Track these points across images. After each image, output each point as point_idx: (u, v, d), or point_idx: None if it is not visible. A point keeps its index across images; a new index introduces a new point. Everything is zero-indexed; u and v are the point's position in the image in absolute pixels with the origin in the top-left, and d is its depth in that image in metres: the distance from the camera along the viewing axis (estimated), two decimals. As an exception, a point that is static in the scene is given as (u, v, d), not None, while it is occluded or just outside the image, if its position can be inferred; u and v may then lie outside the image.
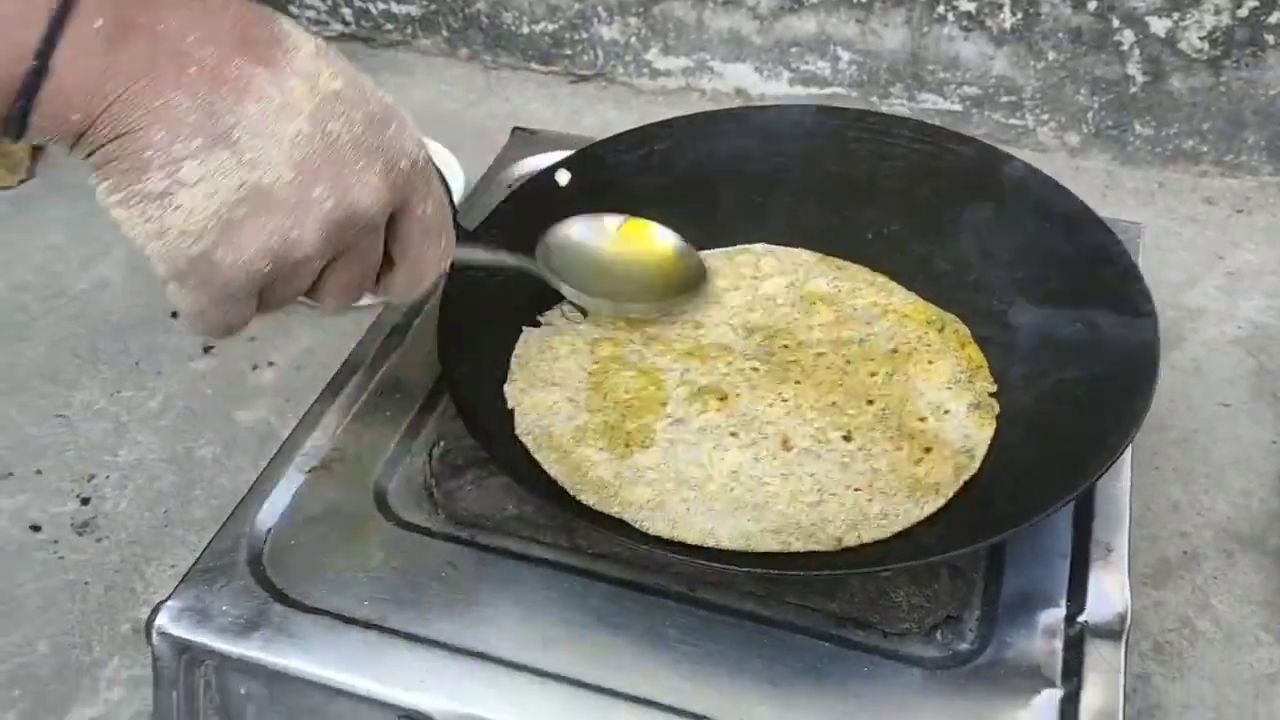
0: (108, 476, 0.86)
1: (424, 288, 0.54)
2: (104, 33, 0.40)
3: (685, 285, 0.71)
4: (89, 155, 0.42)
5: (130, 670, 0.74)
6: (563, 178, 0.74)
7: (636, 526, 0.59)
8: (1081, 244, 0.68)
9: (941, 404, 0.65)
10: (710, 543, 0.58)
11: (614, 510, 0.60)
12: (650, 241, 0.71)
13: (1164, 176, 1.07)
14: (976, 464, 0.62)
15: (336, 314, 0.50)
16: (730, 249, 0.76)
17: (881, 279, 0.73)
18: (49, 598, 0.78)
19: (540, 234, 0.67)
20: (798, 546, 0.58)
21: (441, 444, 0.64)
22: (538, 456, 0.62)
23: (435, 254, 0.52)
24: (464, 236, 0.68)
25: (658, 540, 0.58)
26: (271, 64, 0.43)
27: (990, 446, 0.63)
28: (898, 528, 0.59)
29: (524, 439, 0.63)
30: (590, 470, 0.62)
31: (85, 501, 0.84)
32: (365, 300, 0.53)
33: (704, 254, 0.74)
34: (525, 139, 0.89)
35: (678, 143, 0.76)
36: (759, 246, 0.76)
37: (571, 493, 0.60)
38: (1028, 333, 0.67)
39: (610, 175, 0.75)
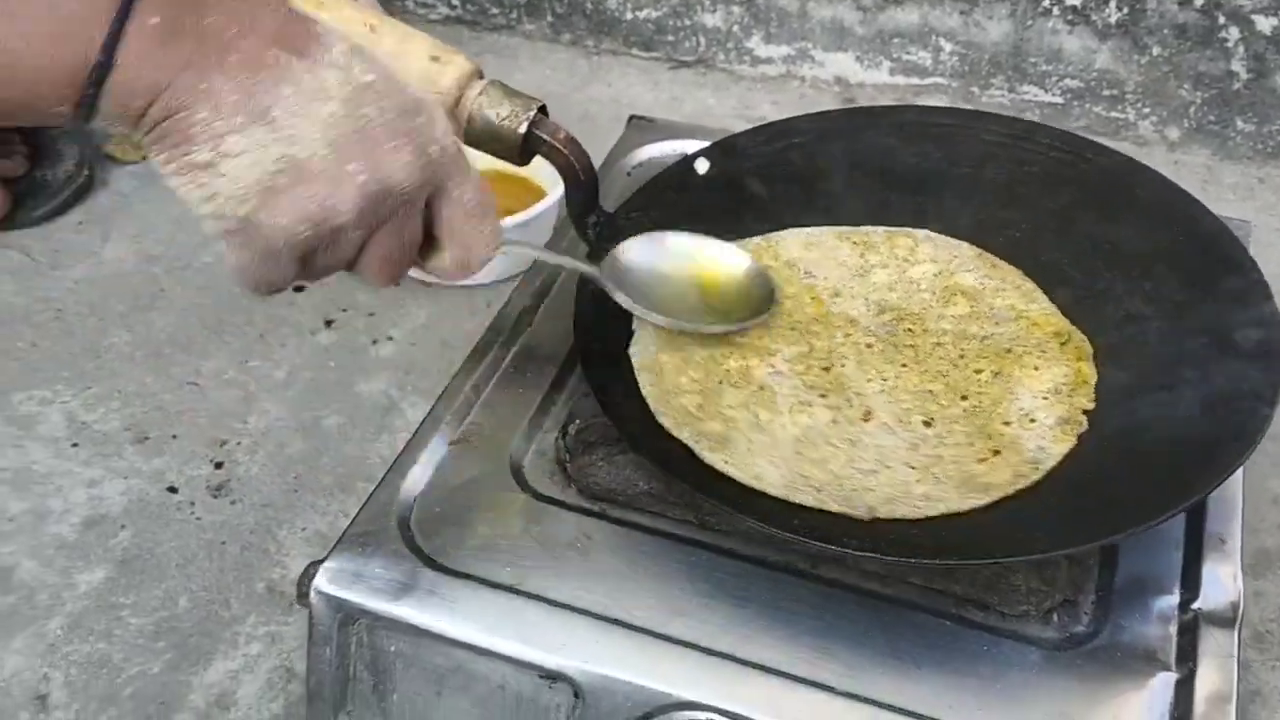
0: (239, 443, 0.90)
1: (472, 269, 0.57)
2: (159, 29, 0.45)
3: (751, 307, 0.71)
4: (147, 133, 0.47)
5: (267, 627, 0.78)
6: (701, 166, 0.77)
7: (697, 454, 0.63)
8: (1211, 257, 0.69)
9: (1031, 412, 0.66)
10: (756, 485, 0.61)
11: (684, 436, 0.63)
12: (718, 262, 0.71)
13: (1264, 172, 1.07)
14: (1039, 474, 0.63)
15: (382, 286, 0.55)
16: (892, 229, 0.77)
17: (1029, 285, 0.74)
18: (188, 556, 0.82)
19: (609, 248, 0.68)
20: (833, 507, 0.60)
21: (577, 422, 0.67)
22: (639, 377, 0.66)
23: (480, 238, 0.56)
24: (605, 217, 0.72)
25: (760, 516, 0.59)
26: (306, 55, 0.48)
27: (1085, 454, 0.64)
28: (932, 512, 0.61)
29: (633, 358, 0.67)
30: (678, 397, 0.65)
31: (219, 466, 0.88)
32: (420, 276, 0.55)
33: (865, 230, 0.77)
34: (642, 127, 0.91)
35: (820, 136, 0.79)
36: (921, 232, 0.77)
37: (654, 414, 0.64)
38: (1152, 343, 0.68)
39: (749, 165, 0.77)
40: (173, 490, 0.87)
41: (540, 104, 0.66)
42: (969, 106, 1.13)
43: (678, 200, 0.72)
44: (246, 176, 0.47)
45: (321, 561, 0.62)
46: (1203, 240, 0.71)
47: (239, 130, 0.46)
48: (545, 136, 0.66)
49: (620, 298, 0.66)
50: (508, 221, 0.95)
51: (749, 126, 0.81)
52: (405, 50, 0.64)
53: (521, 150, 0.66)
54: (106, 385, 0.95)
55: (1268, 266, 0.94)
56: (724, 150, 0.78)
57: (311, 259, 0.51)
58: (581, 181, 0.69)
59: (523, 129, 0.65)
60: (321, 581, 0.61)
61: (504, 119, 0.65)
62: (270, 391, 0.94)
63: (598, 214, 0.72)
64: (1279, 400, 0.60)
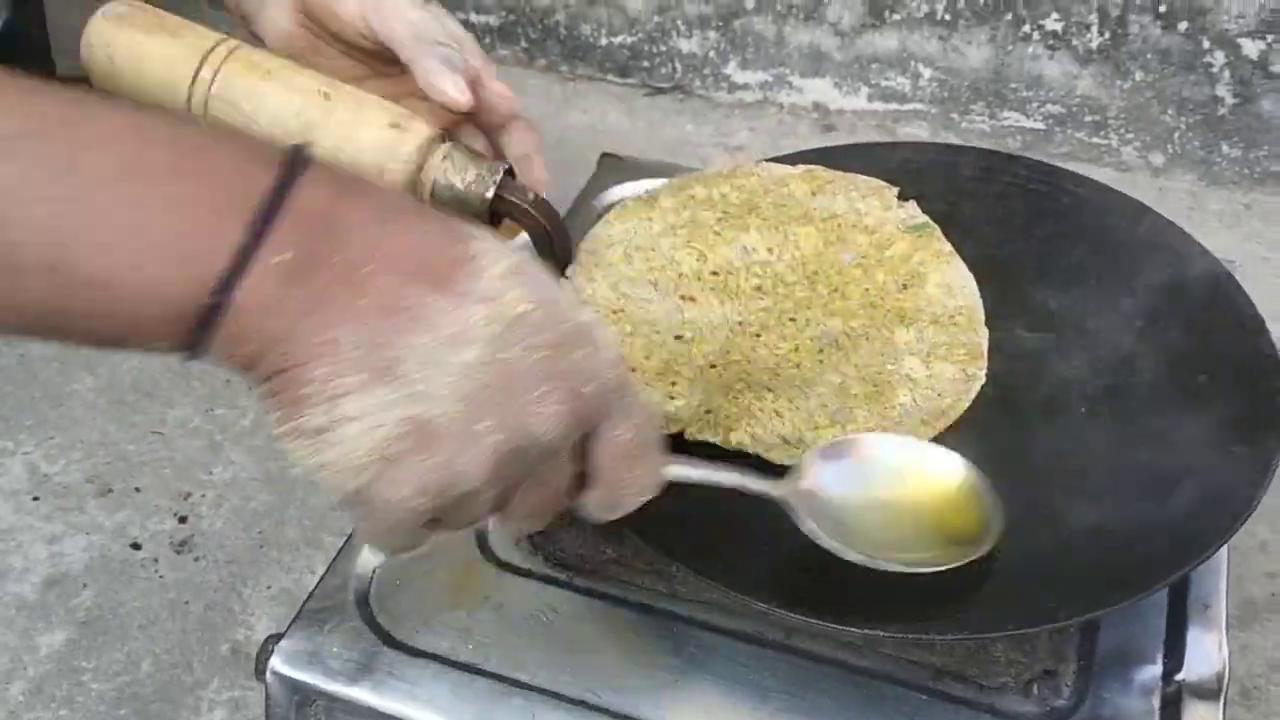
0: (204, 495, 0.88)
1: (622, 511, 0.50)
2: (287, 266, 0.39)
3: (971, 537, 0.56)
4: (259, 384, 0.42)
5: (230, 692, 0.76)
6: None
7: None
8: (1207, 298, 0.68)
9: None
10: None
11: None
12: (931, 478, 0.57)
13: (1251, 199, 1.06)
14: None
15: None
16: None
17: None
18: (150, 616, 0.80)
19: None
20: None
21: (541, 487, 0.65)
22: None
23: (633, 479, 0.49)
24: None
25: (740, 588, 0.56)
26: (451, 289, 0.41)
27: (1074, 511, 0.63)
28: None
29: None
30: None
31: (183, 520, 0.86)
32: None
33: None
34: (614, 165, 0.89)
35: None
36: None
37: None
38: (1142, 382, 0.67)
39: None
40: (136, 546, 0.85)
41: (506, 166, 0.64)
42: (949, 133, 1.12)
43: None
44: (362, 445, 0.40)
45: (279, 638, 0.60)
46: (1195, 277, 0.70)
47: (358, 390, 0.40)
48: (513, 200, 0.64)
49: (810, 528, 0.54)
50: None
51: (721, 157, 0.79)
52: (361, 119, 0.62)
53: (490, 216, 0.64)
54: (69, 434, 0.92)
55: (1254, 297, 0.93)
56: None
57: (441, 522, 0.45)
58: (552, 243, 0.67)
59: (489, 194, 0.63)
60: (277, 662, 0.59)
61: (469, 184, 0.63)
62: (236, 440, 0.92)
63: (571, 275, 0.70)
64: (1271, 467, 0.59)
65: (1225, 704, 0.57)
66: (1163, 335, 0.69)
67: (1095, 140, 1.08)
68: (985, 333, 0.69)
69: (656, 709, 0.57)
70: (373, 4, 0.65)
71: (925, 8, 1.05)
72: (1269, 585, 0.77)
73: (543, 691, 0.58)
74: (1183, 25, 0.98)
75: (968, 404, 0.66)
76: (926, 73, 1.10)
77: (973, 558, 0.54)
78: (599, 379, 0.44)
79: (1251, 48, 0.98)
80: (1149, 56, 1.01)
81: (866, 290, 0.71)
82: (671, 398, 0.65)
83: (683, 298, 0.70)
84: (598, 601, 0.62)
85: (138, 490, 0.88)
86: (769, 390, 0.65)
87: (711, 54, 1.16)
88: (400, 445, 0.41)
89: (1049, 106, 1.07)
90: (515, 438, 0.42)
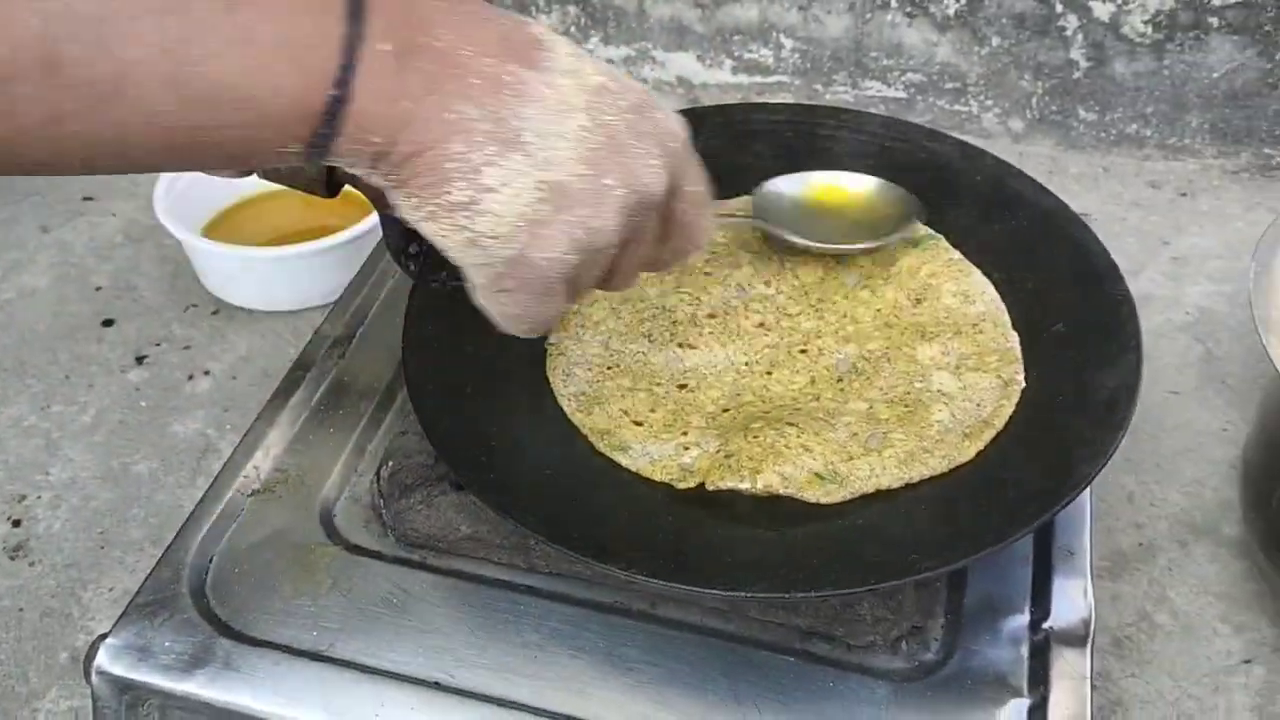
0: (39, 496, 0.82)
1: (689, 259, 0.55)
2: (393, 55, 0.41)
3: (893, 221, 0.71)
4: (390, 174, 0.43)
5: (69, 700, 0.71)
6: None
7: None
8: (1061, 244, 0.68)
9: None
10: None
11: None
12: (847, 189, 0.72)
13: (1108, 161, 1.07)
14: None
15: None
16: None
17: None
18: (-19, 627, 0.75)
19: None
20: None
21: (390, 463, 0.62)
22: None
23: (704, 223, 0.53)
24: (426, 246, 0.66)
25: (602, 558, 0.55)
26: (538, 65, 0.44)
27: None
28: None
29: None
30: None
31: (17, 524, 0.81)
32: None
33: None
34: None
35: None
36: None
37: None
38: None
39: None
40: (-36, 554, 0.79)
41: None
42: (811, 102, 1.11)
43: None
44: (510, 211, 0.44)
45: (105, 636, 0.56)
46: (1049, 224, 0.70)
47: (495, 161, 0.43)
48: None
49: (782, 232, 0.69)
50: (326, 241, 0.89)
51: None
52: None
53: (327, 183, 0.60)
54: (-108, 439, 0.86)
55: (1112, 254, 0.94)
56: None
57: (574, 281, 0.48)
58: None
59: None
60: (103, 660, 0.55)
61: None
62: (75, 438, 0.86)
63: (419, 243, 0.66)
64: (1132, 405, 0.58)
65: (1092, 650, 0.57)
66: (1020, 285, 0.69)
67: (957, 107, 1.08)
68: (1015, 336, 0.67)
69: (514, 686, 0.55)
70: None
71: (784, -23, 1.05)
72: (1136, 535, 0.77)
73: (393, 675, 0.55)
74: (1036, -11, 0.99)
75: (1010, 410, 0.63)
76: (789, 44, 1.08)
77: (902, 234, 0.70)
78: (677, 136, 0.49)
79: (1103, 10, 0.99)
80: (1004, 22, 1.01)
81: (878, 311, 0.68)
82: (685, 448, 0.61)
83: (680, 345, 0.67)
84: (453, 580, 0.59)
85: (-34, 495, 0.82)
86: (791, 425, 0.61)
87: (573, 29, 1.14)
88: (543, 208, 0.44)
89: (910, 75, 1.07)
90: (634, 190, 0.46)
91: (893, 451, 0.59)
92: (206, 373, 0.91)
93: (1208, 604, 0.73)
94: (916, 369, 0.64)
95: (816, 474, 0.58)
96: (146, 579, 0.58)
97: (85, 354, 0.93)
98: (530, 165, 0.43)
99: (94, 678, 0.55)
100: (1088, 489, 0.58)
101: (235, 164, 0.44)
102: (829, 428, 0.60)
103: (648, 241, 0.51)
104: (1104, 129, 1.05)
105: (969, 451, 0.60)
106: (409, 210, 0.45)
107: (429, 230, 0.45)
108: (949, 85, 1.06)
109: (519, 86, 0.43)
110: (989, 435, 0.61)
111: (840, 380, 0.64)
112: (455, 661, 0.56)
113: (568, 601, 0.58)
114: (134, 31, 0.38)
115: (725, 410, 0.63)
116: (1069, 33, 1.00)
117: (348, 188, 0.62)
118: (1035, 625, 0.58)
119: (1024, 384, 0.64)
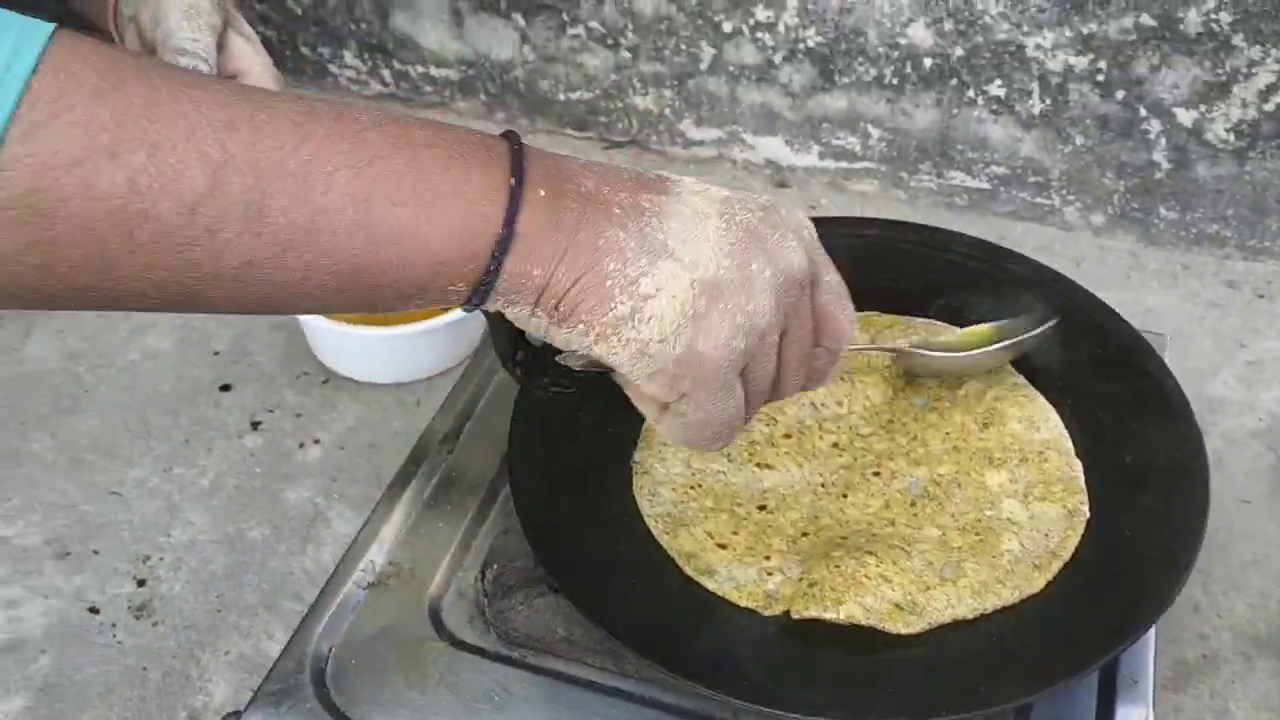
0: (162, 558, 0.89)
1: (841, 360, 0.58)
2: (547, 199, 0.48)
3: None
4: (553, 310, 0.49)
5: (188, 759, 0.77)
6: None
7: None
8: (1134, 375, 0.70)
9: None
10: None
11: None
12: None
13: (1188, 259, 1.09)
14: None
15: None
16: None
17: None
18: (108, 683, 0.81)
19: None
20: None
21: (495, 566, 0.67)
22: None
23: (847, 314, 0.56)
24: (532, 353, 0.71)
25: (687, 674, 0.59)
26: (669, 191, 0.51)
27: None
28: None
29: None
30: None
31: (141, 583, 0.87)
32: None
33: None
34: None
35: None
36: None
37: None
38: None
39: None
40: (94, 611, 0.85)
41: None
42: (898, 190, 1.14)
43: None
44: (670, 311, 0.49)
45: (237, 717, 0.62)
46: (1121, 356, 0.72)
47: (648, 270, 0.48)
48: None
49: (920, 350, 0.72)
50: (431, 323, 0.95)
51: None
52: None
53: None
54: (27, 495, 0.93)
55: (1187, 359, 0.95)
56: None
57: (747, 377, 0.52)
58: (504, 318, 0.68)
59: None
60: (235, 745, 0.61)
61: None
62: (195, 501, 0.92)
63: (525, 350, 0.71)
64: (1195, 552, 0.61)
65: (1152, 779, 0.60)
66: (1089, 415, 0.72)
67: (1039, 200, 1.11)
68: (1079, 464, 0.69)
69: (605, 790, 0.59)
70: None
71: (873, 72, 1.08)
72: (1201, 646, 0.80)
73: (494, 773, 0.60)
74: (1120, 94, 1.02)
75: (1076, 542, 0.65)
76: (875, 133, 1.12)
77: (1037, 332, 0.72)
78: (807, 226, 0.54)
79: (1185, 116, 1.01)
80: (1088, 122, 1.04)
81: (947, 434, 0.71)
82: (769, 574, 0.65)
83: (759, 465, 0.70)
84: (549, 679, 0.64)
85: (96, 553, 0.89)
86: (869, 554, 0.64)
87: (667, 111, 1.19)
88: (700, 302, 0.49)
89: (994, 168, 1.10)
90: (779, 270, 0.51)
91: (967, 582, 0.63)
92: (316, 441, 0.97)
93: (1268, 719, 0.76)
94: (985, 495, 0.68)
95: (896, 605, 0.62)
96: (273, 667, 0.63)
97: (204, 417, 0.99)
98: (680, 268, 0.48)
99: (227, 760, 0.60)
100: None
101: (401, 304, 0.49)
102: (905, 556, 0.64)
103: (806, 331, 0.54)
104: (1184, 228, 1.08)
105: (1038, 583, 0.63)
106: (578, 339, 0.50)
107: (599, 351, 0.50)
108: (1032, 179, 1.09)
109: (657, 208, 0.49)
110: (1056, 566, 0.64)
111: (913, 504, 0.68)
112: (551, 759, 0.60)
113: (655, 706, 0.63)
114: (331, 183, 0.44)
115: (804, 534, 0.66)
116: (1151, 136, 1.03)
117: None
118: (1097, 753, 0.61)
119: (1089, 514, 0.67)
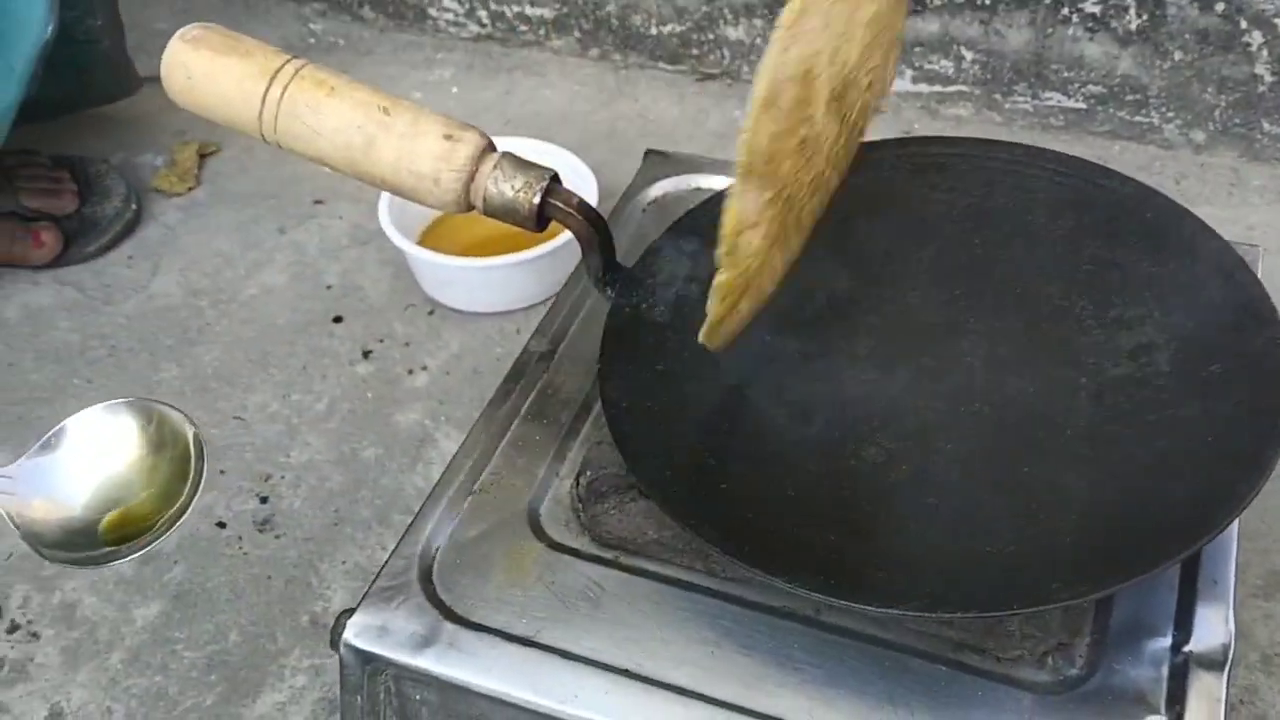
0: (283, 477, 0.94)
1: None
2: None
3: None
4: None
5: (310, 659, 0.83)
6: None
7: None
8: (1228, 294, 0.70)
9: None
10: None
11: None
12: None
13: (1292, 174, 1.07)
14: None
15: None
16: None
17: None
18: (236, 590, 0.87)
19: None
20: None
21: (588, 472, 0.70)
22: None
23: None
24: (623, 274, 0.74)
25: (769, 569, 0.61)
26: None
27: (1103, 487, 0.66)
28: None
29: None
30: None
31: (264, 500, 0.93)
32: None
33: None
34: (658, 161, 0.93)
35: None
36: None
37: None
38: (1162, 371, 0.70)
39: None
40: (221, 525, 0.91)
41: (552, 173, 0.68)
42: (993, 113, 1.14)
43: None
44: None
45: (351, 613, 0.66)
46: (1211, 266, 0.72)
47: None
48: (559, 205, 0.68)
49: None
50: (529, 253, 0.98)
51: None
52: (419, 130, 0.67)
53: (538, 220, 0.69)
54: (158, 421, 0.99)
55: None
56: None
57: None
58: (596, 245, 0.71)
59: (537, 200, 0.67)
60: (350, 635, 0.65)
61: (518, 191, 0.68)
62: (312, 424, 0.98)
63: (616, 272, 0.74)
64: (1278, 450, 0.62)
65: (1230, 674, 0.61)
66: (1178, 325, 0.72)
67: (1137, 119, 1.09)
68: None
69: (692, 678, 0.62)
70: None
71: (965, -7, 1.08)
72: (1294, 557, 0.80)
73: (589, 662, 0.63)
74: (1219, 6, 1.00)
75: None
76: (969, 55, 1.12)
77: None
78: None
79: (1290, 26, 0.99)
80: (1187, 37, 1.02)
81: None
82: None
83: None
84: (641, 578, 0.67)
85: (222, 473, 0.95)
86: None
87: (759, 40, 1.19)
88: None
89: (1090, 87, 1.09)
90: None
91: None
92: (424, 368, 1.01)
93: (1361, 628, 0.76)
94: None
95: None
96: (384, 566, 0.68)
97: (319, 347, 1.04)
98: None
99: (341, 649, 0.65)
100: (1235, 521, 0.62)
101: None
102: None
103: None
104: (1289, 142, 1.06)
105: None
106: None
107: None
108: (1130, 97, 1.08)
109: None
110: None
111: None
112: (642, 653, 0.63)
113: (740, 603, 0.66)
114: None
115: None
116: (1253, 48, 1.01)
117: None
118: (1176, 648, 0.62)
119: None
